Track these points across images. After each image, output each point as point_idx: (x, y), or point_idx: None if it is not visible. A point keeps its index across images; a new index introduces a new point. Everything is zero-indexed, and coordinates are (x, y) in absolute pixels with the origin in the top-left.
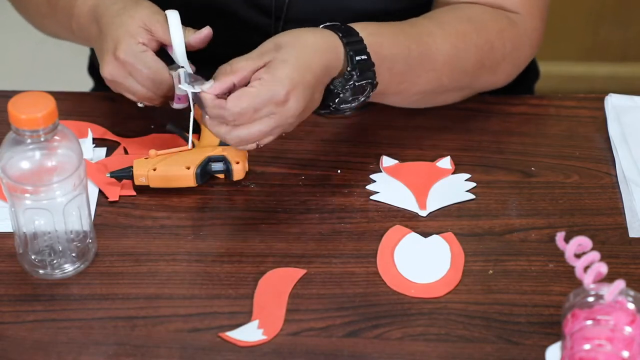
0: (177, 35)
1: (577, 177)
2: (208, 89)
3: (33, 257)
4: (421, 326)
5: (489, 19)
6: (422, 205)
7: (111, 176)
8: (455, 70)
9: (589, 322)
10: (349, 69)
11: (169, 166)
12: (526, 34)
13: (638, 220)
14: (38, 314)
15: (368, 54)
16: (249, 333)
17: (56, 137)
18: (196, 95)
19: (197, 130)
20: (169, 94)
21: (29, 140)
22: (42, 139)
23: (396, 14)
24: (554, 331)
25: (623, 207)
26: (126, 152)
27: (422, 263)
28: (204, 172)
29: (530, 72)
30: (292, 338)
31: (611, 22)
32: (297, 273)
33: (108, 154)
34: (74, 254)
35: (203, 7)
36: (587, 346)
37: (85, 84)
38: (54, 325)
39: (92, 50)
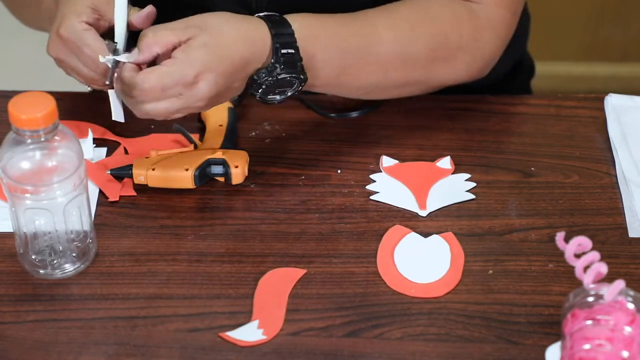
0: (120, 13)
1: (577, 177)
2: (133, 59)
3: (33, 257)
4: (421, 326)
5: (444, 9)
6: (422, 205)
7: (111, 173)
8: (404, 62)
9: (589, 322)
10: (272, 61)
11: (168, 166)
12: (489, 25)
13: (638, 220)
14: (38, 314)
15: (296, 48)
16: (249, 333)
17: (56, 137)
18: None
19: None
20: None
21: (29, 141)
22: (43, 139)
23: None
24: (553, 331)
25: (623, 207)
26: (126, 152)
27: (422, 263)
28: (203, 175)
29: (524, 68)
30: (292, 338)
31: (611, 22)
32: (297, 273)
33: (108, 154)
34: (74, 254)
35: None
36: (587, 346)
37: None
38: (54, 325)
39: None
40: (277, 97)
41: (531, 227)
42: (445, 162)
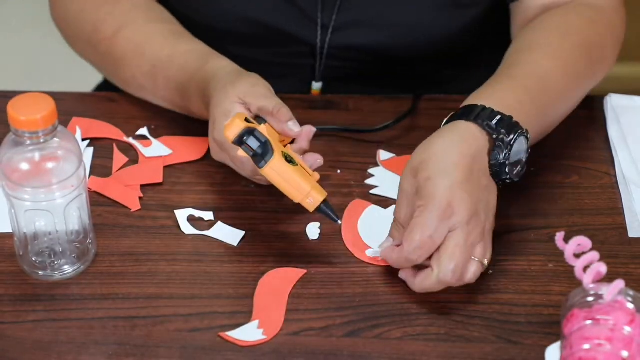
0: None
1: (577, 177)
2: (388, 244)
3: (33, 259)
4: (421, 326)
5: (574, 17)
6: None
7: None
8: (577, 79)
9: (589, 322)
10: (494, 136)
11: (301, 175)
12: (614, 11)
13: (637, 220)
14: (38, 314)
15: (500, 113)
16: (249, 333)
17: (55, 139)
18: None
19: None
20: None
21: (28, 142)
22: (42, 140)
23: (443, 25)
24: (553, 331)
25: (622, 207)
26: (127, 153)
27: (384, 232)
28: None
29: None
30: (292, 338)
31: None
32: (297, 273)
33: (96, 153)
34: (74, 255)
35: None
36: (586, 346)
37: (86, 84)
38: (54, 325)
39: None
40: (522, 169)
41: (531, 227)
42: None
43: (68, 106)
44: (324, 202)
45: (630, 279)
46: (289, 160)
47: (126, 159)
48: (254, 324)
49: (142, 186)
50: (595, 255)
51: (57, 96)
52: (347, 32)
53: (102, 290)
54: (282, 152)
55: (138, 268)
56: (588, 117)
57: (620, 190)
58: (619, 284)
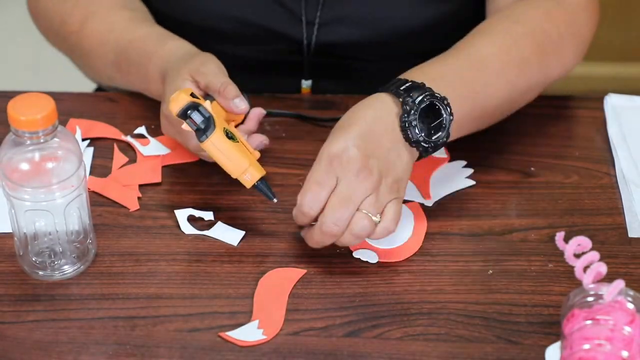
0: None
1: (576, 177)
2: None
3: (33, 259)
4: (421, 326)
5: (529, 9)
6: (426, 195)
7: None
8: (519, 66)
9: (589, 322)
10: (400, 98)
11: (240, 151)
12: (580, 7)
13: (637, 220)
14: (38, 314)
15: (412, 80)
16: (249, 333)
17: (55, 139)
18: None
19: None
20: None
21: (28, 142)
22: (42, 140)
23: (428, 19)
24: (553, 331)
25: (622, 207)
26: (127, 153)
27: None
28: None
29: None
30: (292, 338)
31: (611, 22)
32: (297, 273)
33: (96, 153)
34: (74, 255)
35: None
36: (586, 346)
37: (86, 84)
38: (54, 325)
39: None
40: (443, 136)
41: (531, 227)
42: (440, 151)
43: (68, 106)
44: (262, 179)
45: (630, 279)
46: (230, 136)
47: (126, 159)
48: (254, 324)
49: (142, 186)
50: (595, 255)
51: (57, 96)
52: (332, 28)
53: (102, 290)
54: (224, 128)
55: (138, 268)
56: (588, 117)
57: (620, 190)
58: (619, 284)
